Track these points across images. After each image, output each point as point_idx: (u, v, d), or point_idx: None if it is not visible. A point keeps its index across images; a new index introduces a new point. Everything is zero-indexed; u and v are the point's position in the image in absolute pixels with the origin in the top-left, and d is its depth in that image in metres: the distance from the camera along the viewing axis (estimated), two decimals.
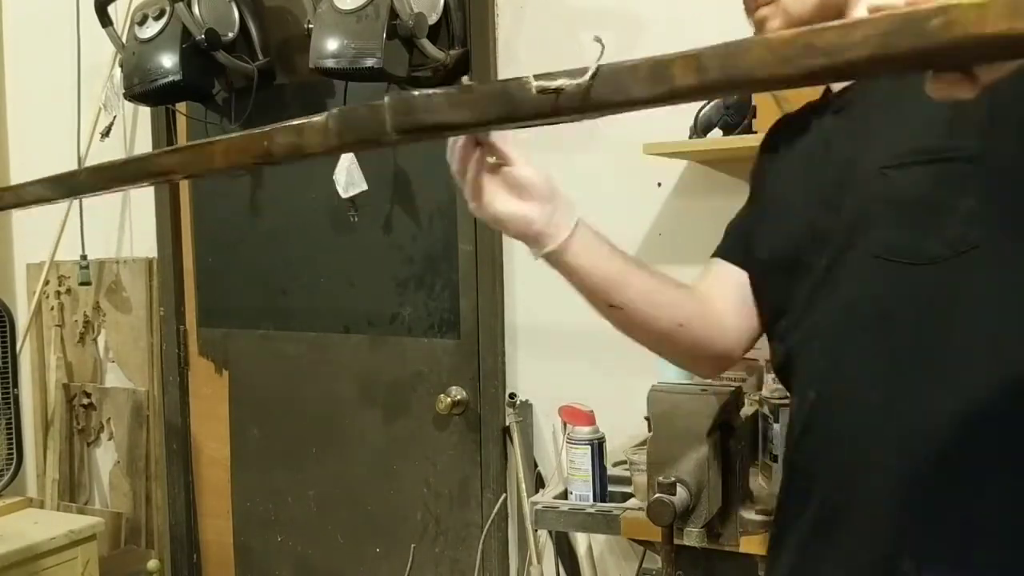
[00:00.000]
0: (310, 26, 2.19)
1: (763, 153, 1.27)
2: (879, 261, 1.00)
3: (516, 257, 2.32)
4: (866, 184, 1.02)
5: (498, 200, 1.02)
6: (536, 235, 1.06)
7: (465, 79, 0.79)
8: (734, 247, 1.26)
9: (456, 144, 1.01)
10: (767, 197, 1.22)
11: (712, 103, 1.90)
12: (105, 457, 2.96)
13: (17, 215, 3.07)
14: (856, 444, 1.03)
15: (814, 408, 1.07)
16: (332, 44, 2.11)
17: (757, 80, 0.61)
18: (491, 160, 1.02)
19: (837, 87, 1.12)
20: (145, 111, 2.77)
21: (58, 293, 2.98)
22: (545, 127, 0.77)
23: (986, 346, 0.97)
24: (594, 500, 1.78)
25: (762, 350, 2.03)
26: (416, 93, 0.69)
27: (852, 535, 1.03)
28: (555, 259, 1.08)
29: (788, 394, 1.64)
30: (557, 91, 0.66)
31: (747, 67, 0.61)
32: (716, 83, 0.62)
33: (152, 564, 2.74)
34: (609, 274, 1.12)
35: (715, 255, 1.28)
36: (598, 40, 0.76)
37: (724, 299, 1.23)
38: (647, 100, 0.66)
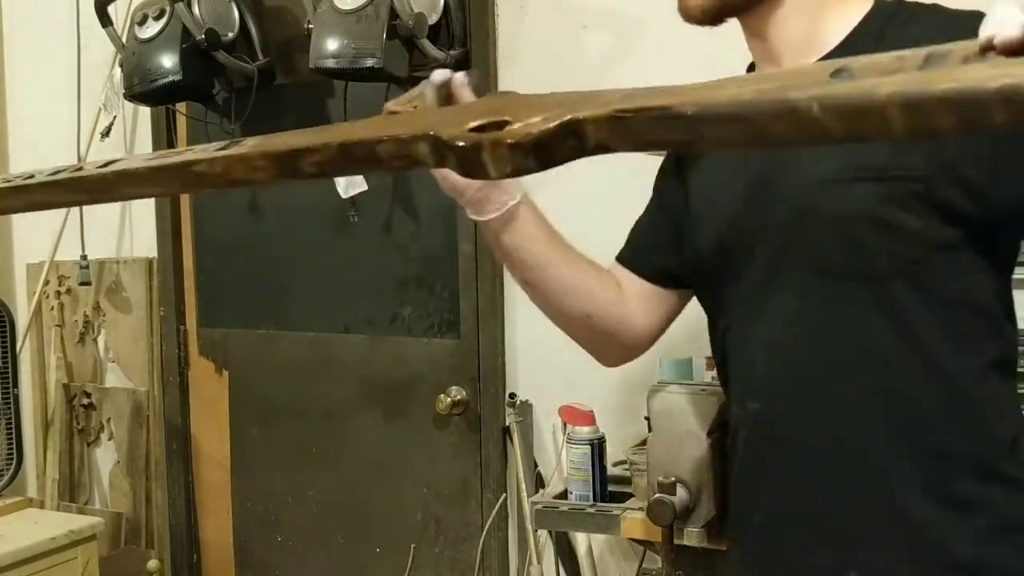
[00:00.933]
0: (310, 26, 2.19)
1: (673, 158, 1.29)
2: (818, 275, 1.01)
3: None
4: (804, 194, 1.02)
5: None
6: (471, 201, 1.11)
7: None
8: (636, 256, 1.28)
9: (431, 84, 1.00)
10: (692, 195, 1.21)
11: None
12: (105, 457, 2.96)
13: (17, 215, 3.07)
14: (798, 456, 1.05)
15: (757, 420, 1.09)
16: (332, 44, 2.11)
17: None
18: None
19: None
20: (145, 111, 2.77)
21: (58, 293, 2.98)
22: None
23: (924, 363, 0.98)
24: (594, 500, 1.78)
25: None
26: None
27: (796, 546, 1.05)
28: (488, 231, 1.13)
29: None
30: None
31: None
32: None
33: (152, 564, 2.74)
34: (543, 258, 1.16)
35: (619, 258, 1.30)
36: None
37: (631, 300, 1.26)
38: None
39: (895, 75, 0.48)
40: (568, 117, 0.57)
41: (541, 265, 1.16)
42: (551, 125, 0.57)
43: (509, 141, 0.58)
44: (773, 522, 1.08)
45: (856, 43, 1.02)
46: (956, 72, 0.46)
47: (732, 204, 1.11)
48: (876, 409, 1.00)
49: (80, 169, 0.82)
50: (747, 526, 1.12)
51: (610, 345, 1.29)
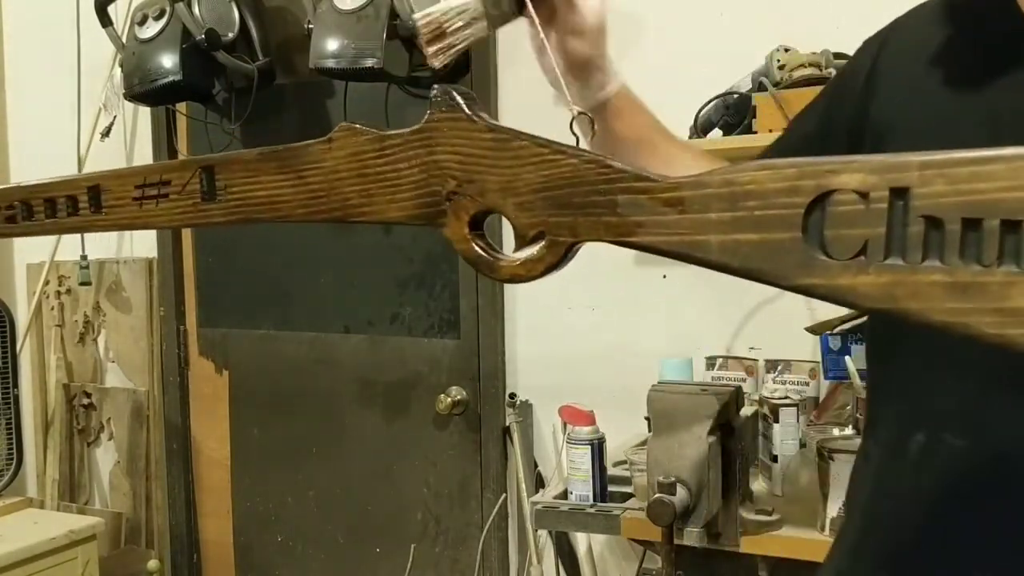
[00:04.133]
0: (310, 26, 2.19)
1: (876, 50, 0.97)
2: None
3: None
4: None
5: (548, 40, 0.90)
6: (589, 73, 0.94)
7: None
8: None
9: None
10: (879, 118, 0.94)
11: (712, 103, 1.90)
12: (105, 457, 2.96)
13: None
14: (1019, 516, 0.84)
15: (967, 459, 0.85)
16: (332, 44, 2.11)
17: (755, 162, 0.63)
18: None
19: None
20: (145, 111, 2.77)
21: (58, 293, 2.98)
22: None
23: None
24: (594, 500, 1.78)
25: (763, 350, 2.04)
26: None
27: None
28: (600, 108, 0.96)
29: (790, 396, 1.57)
30: None
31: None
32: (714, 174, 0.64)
33: (152, 564, 2.74)
34: (648, 146, 1.00)
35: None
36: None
37: None
38: None
39: None
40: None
41: (646, 151, 1.01)
42: None
43: None
44: None
45: None
46: None
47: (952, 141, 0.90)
48: None
49: None
50: None
51: None
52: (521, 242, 0.69)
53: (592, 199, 0.66)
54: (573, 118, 0.76)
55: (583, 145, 0.86)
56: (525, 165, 0.68)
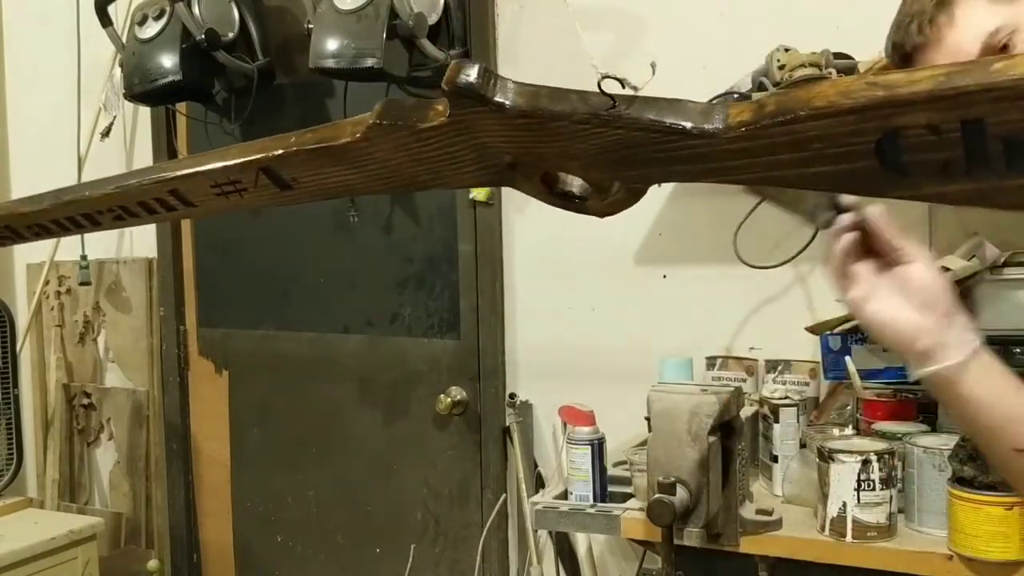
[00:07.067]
0: (310, 26, 2.19)
1: None
2: None
3: (516, 257, 2.32)
4: None
5: (880, 299, 0.85)
6: (925, 351, 0.85)
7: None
8: None
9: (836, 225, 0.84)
10: None
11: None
12: (105, 457, 2.96)
13: None
14: None
15: None
16: (332, 44, 2.11)
17: (814, 109, 0.62)
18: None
19: None
20: (145, 111, 2.77)
21: (58, 293, 2.98)
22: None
23: None
24: (594, 500, 1.78)
25: (763, 350, 2.04)
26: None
27: None
28: (944, 382, 0.86)
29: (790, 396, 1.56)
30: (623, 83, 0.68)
31: (805, 98, 0.62)
32: (770, 113, 0.63)
33: (152, 564, 2.74)
34: (1014, 411, 0.87)
35: None
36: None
37: None
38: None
39: None
40: None
41: (1009, 419, 0.88)
42: None
43: None
44: None
45: None
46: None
47: None
48: None
49: None
50: None
51: None
52: (598, 191, 0.72)
53: (655, 156, 0.67)
54: (600, 80, 0.75)
55: None
56: (572, 139, 0.68)
